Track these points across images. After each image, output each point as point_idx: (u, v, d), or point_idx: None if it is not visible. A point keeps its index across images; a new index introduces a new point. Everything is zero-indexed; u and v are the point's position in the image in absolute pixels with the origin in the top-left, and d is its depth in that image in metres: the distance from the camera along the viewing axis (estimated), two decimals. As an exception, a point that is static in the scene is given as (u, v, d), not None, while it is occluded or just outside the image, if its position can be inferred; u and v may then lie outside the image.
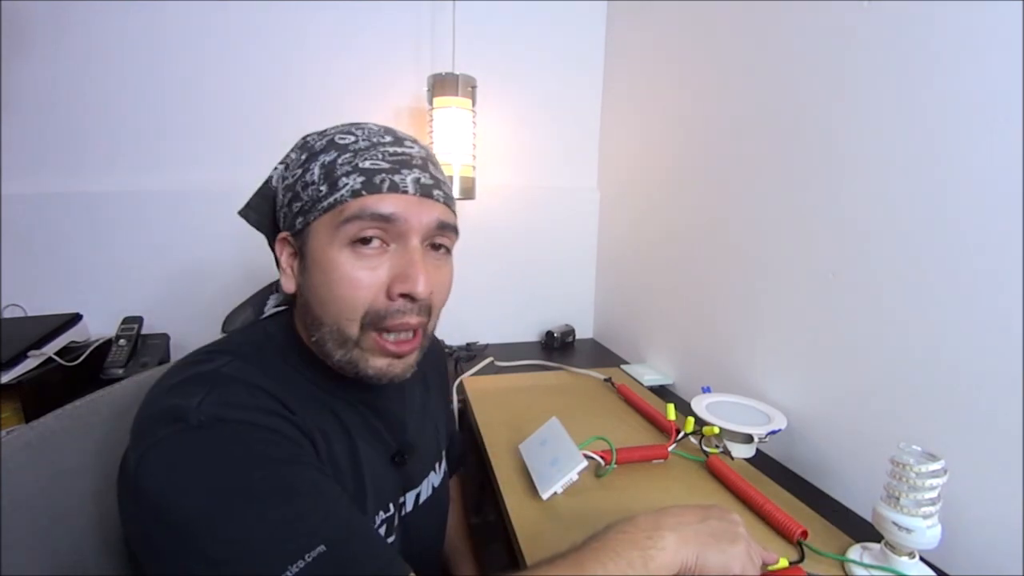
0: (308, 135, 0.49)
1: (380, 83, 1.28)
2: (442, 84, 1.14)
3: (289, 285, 0.48)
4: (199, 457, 0.36)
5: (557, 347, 1.39)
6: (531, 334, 1.47)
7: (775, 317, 0.82)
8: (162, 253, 1.20)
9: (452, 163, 1.16)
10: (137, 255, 1.19)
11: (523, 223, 1.42)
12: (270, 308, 0.53)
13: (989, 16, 0.52)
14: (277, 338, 0.49)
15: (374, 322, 0.44)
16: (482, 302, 1.41)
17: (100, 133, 1.16)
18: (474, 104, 1.18)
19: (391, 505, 0.52)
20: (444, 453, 0.66)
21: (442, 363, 0.75)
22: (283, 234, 0.48)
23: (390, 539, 0.52)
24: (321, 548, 0.34)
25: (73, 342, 1.05)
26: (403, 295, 0.44)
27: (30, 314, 1.12)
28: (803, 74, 0.75)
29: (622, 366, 1.19)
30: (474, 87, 1.17)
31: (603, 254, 1.48)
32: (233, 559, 0.33)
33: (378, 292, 0.44)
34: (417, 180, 0.45)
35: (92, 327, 1.14)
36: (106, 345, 1.07)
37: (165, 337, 1.13)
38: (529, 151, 1.42)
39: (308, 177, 0.45)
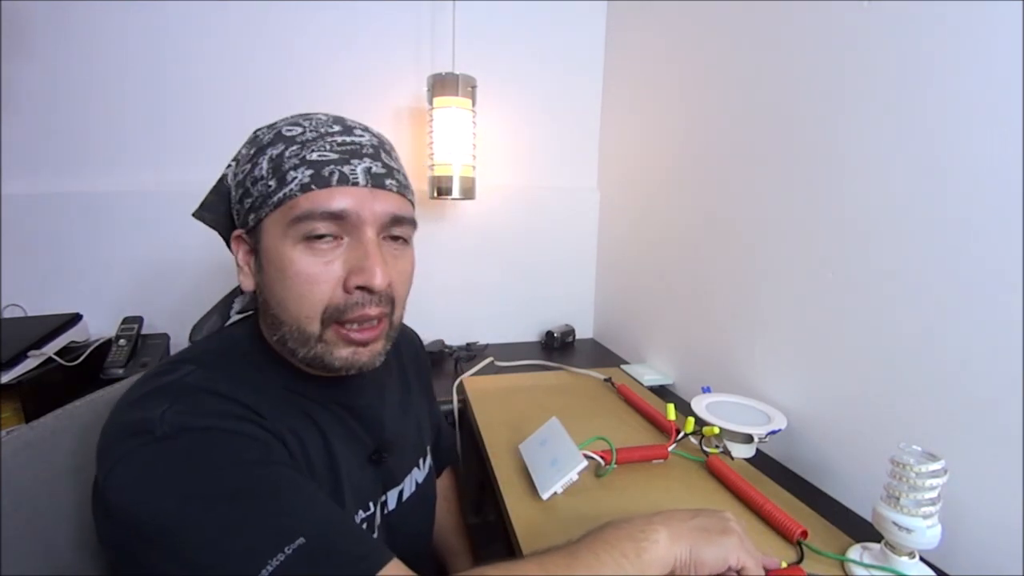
0: (259, 129, 0.48)
1: (380, 83, 1.28)
2: (442, 84, 1.14)
3: (248, 283, 0.47)
4: (167, 467, 0.36)
5: (557, 347, 1.39)
6: (531, 334, 1.47)
7: (775, 317, 0.82)
8: (162, 253, 1.20)
9: (452, 163, 1.17)
10: (137, 255, 1.19)
11: (523, 223, 1.42)
12: (235, 313, 0.51)
13: (989, 16, 0.52)
14: (243, 342, 0.48)
15: (334, 316, 0.44)
16: (482, 302, 1.41)
17: (100, 133, 1.16)
18: (474, 104, 1.18)
19: (371, 504, 0.51)
20: (429, 448, 0.66)
21: (422, 357, 0.73)
22: (237, 232, 0.47)
23: None
24: (301, 540, 0.33)
25: (73, 342, 1.05)
26: (360, 287, 0.43)
27: (30, 314, 1.12)
28: (803, 74, 0.75)
29: (622, 366, 1.19)
30: (474, 87, 1.17)
31: (603, 254, 1.48)
32: (210, 562, 0.33)
33: (335, 286, 0.43)
34: (368, 170, 0.44)
35: (92, 327, 1.14)
36: (106, 345, 1.07)
37: (165, 337, 1.13)
38: (529, 151, 1.42)
39: (257, 172, 0.44)
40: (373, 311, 0.45)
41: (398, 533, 0.55)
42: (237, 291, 0.53)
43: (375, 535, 0.51)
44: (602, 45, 1.42)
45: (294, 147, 0.43)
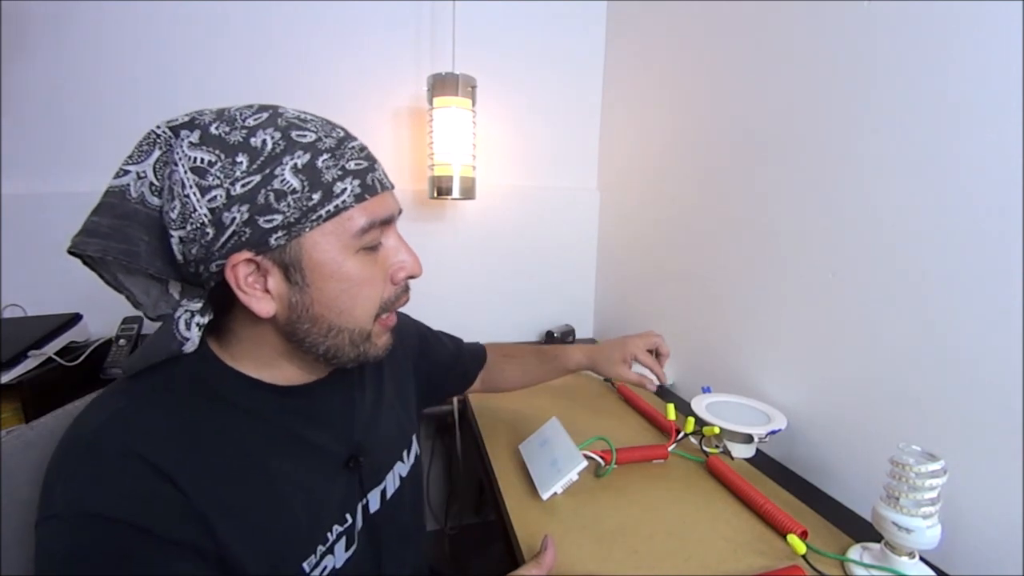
0: (207, 127, 0.40)
1: (380, 83, 1.28)
2: (442, 84, 1.14)
3: (266, 308, 0.42)
4: (53, 555, 0.35)
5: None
6: (531, 334, 1.47)
7: (775, 317, 0.82)
8: (162, 253, 1.20)
9: (452, 163, 1.16)
10: (137, 255, 1.19)
11: (523, 223, 1.42)
12: (190, 348, 0.43)
13: (990, 16, 0.52)
14: (191, 366, 0.44)
15: (385, 309, 0.48)
16: (482, 302, 1.41)
17: (101, 132, 1.16)
18: (474, 104, 1.18)
19: (348, 516, 0.49)
20: (415, 437, 0.63)
21: (404, 333, 0.68)
22: (243, 255, 0.40)
23: (350, 550, 0.49)
24: None
25: (73, 342, 1.06)
26: (407, 278, 0.49)
27: (30, 314, 1.12)
28: (804, 73, 0.75)
29: (622, 366, 1.19)
30: (474, 87, 1.17)
31: (603, 254, 1.48)
32: None
33: (386, 283, 0.47)
34: (384, 174, 0.47)
35: (92, 327, 1.14)
36: (106, 345, 1.07)
37: (165, 337, 1.13)
38: (529, 151, 1.42)
39: (280, 185, 0.39)
40: (408, 295, 0.51)
41: (385, 531, 0.54)
42: (171, 329, 0.43)
43: (355, 545, 0.49)
44: (602, 45, 1.42)
45: (324, 156, 0.41)
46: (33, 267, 1.14)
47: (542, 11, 1.35)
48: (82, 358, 0.99)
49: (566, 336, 1.41)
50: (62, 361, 0.96)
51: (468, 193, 1.21)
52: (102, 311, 1.15)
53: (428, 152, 1.19)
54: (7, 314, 1.12)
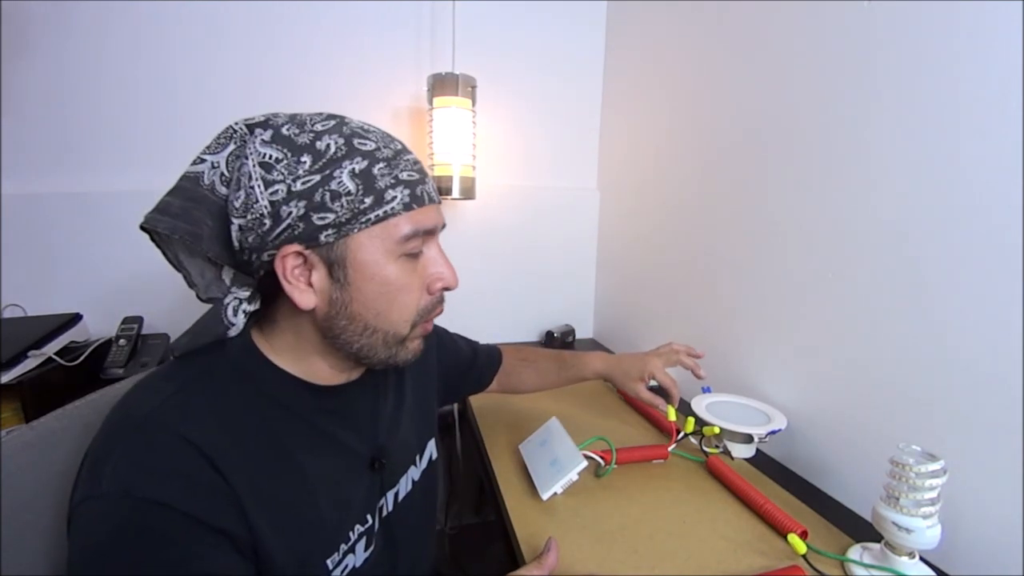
0: (279, 128, 0.43)
1: (380, 83, 1.28)
2: (442, 84, 1.14)
3: (307, 300, 0.44)
4: (94, 537, 0.36)
5: (557, 347, 1.38)
6: (531, 334, 1.47)
7: (775, 317, 0.82)
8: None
9: (452, 163, 1.16)
10: (137, 255, 1.19)
11: (523, 223, 1.42)
12: (234, 332, 0.45)
13: (990, 16, 0.52)
14: (235, 356, 0.46)
15: (423, 316, 0.50)
16: (482, 302, 1.41)
17: (101, 133, 1.16)
18: (474, 104, 1.18)
19: (369, 516, 0.50)
20: (433, 442, 0.65)
21: (427, 343, 0.72)
22: (293, 248, 0.43)
23: (369, 550, 0.50)
24: None
25: (73, 342, 1.06)
26: (442, 289, 0.51)
27: (30, 314, 1.12)
28: (804, 74, 0.75)
29: (622, 366, 1.19)
30: (474, 87, 1.17)
31: (603, 254, 1.48)
32: None
33: (423, 291, 0.49)
34: (434, 188, 0.49)
35: (92, 327, 1.14)
36: (106, 345, 1.07)
37: (165, 337, 1.13)
38: (529, 151, 1.42)
39: (336, 186, 0.42)
40: (443, 306, 0.53)
41: (399, 533, 0.55)
42: (220, 312, 0.45)
43: (372, 547, 0.51)
44: (602, 45, 1.42)
45: (380, 164, 0.44)
46: (33, 267, 1.14)
47: (542, 11, 1.35)
48: (82, 358, 0.99)
49: (566, 336, 1.41)
50: (62, 361, 0.96)
51: (468, 193, 1.21)
52: (102, 311, 1.15)
53: (428, 152, 1.19)
54: (7, 314, 1.12)
